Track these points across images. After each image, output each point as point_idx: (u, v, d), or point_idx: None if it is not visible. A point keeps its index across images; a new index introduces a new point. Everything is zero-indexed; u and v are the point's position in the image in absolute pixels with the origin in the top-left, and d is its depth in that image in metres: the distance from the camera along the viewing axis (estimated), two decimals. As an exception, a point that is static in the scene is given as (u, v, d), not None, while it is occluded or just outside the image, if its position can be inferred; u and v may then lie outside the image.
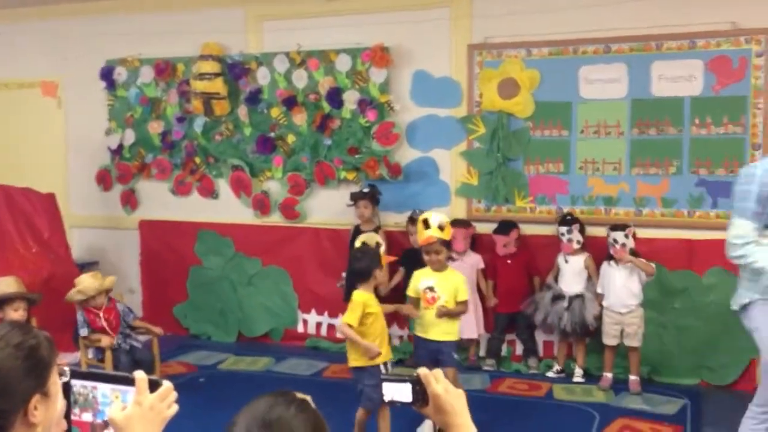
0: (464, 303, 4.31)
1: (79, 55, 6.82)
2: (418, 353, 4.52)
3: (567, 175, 5.56)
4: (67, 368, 1.55)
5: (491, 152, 5.70)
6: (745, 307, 3.43)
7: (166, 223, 6.67)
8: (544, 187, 5.63)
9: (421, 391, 1.51)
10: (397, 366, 5.56)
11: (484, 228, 5.70)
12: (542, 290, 5.39)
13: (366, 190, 5.80)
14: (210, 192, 6.60)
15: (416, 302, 4.34)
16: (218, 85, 6.28)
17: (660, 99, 5.26)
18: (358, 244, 5.13)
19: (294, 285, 6.28)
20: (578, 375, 5.25)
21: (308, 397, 1.44)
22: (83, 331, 4.92)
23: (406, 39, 5.88)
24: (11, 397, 1.44)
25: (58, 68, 6.95)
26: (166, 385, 1.52)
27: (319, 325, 6.22)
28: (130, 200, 6.84)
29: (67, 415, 1.53)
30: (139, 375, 1.49)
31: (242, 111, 6.36)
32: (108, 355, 4.78)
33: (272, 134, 6.30)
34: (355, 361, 4.03)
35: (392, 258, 4.78)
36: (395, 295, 5.64)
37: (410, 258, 5.57)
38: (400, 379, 1.54)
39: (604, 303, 5.11)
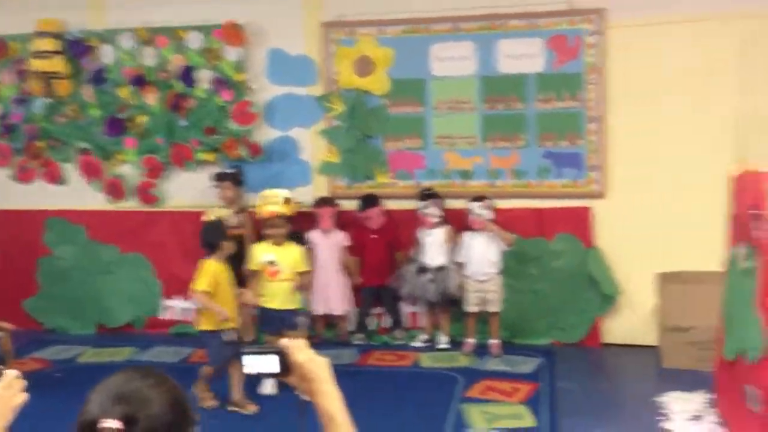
0: (307, 273, 4.82)
1: None
2: (264, 323, 4.90)
3: (424, 151, 5.74)
4: None
5: (350, 130, 5.76)
6: None
7: (10, 213, 6.26)
8: (403, 163, 5.79)
9: (284, 361, 1.53)
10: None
11: (347, 205, 5.79)
12: (407, 264, 5.57)
13: (230, 171, 5.71)
14: (56, 178, 6.23)
15: (258, 274, 4.76)
16: (58, 64, 5.90)
17: (506, 75, 5.52)
18: (209, 218, 5.27)
19: (156, 271, 6.09)
20: (443, 343, 5.51)
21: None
22: None
23: (260, 16, 5.78)
24: None
25: None
26: (11, 373, 1.54)
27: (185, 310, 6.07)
28: (-35, 190, 6.32)
29: None
30: None
31: (87, 91, 6.02)
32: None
33: (122, 115, 6.01)
34: (204, 324, 4.44)
35: (237, 231, 4.97)
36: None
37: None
38: (263, 351, 1.55)
39: (466, 272, 5.37)
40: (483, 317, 5.43)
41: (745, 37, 5.14)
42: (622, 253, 5.40)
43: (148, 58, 5.92)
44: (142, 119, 5.99)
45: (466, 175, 5.69)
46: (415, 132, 5.73)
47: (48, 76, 5.91)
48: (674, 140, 5.29)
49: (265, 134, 5.92)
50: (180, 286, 6.01)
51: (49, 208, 6.20)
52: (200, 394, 4.41)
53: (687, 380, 4.59)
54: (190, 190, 6.00)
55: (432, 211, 5.44)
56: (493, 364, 5.17)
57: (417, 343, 5.59)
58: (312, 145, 5.90)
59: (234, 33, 5.74)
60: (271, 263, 4.74)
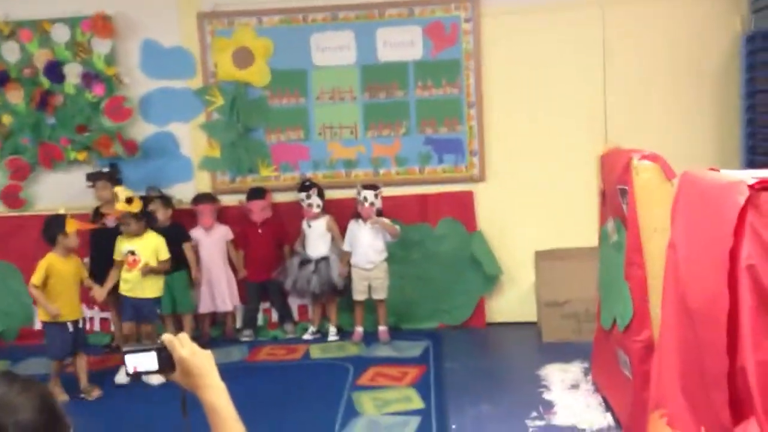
0: (166, 261, 4.97)
1: None
2: (124, 311, 5.04)
3: (307, 142, 5.70)
4: None
5: (231, 123, 5.64)
6: None
7: None
8: (287, 155, 5.72)
9: (166, 357, 1.49)
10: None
11: (231, 200, 5.67)
12: (291, 257, 5.52)
13: (105, 170, 5.48)
14: None
15: (121, 264, 4.94)
16: None
17: (386, 64, 5.56)
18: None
19: (27, 279, 5.73)
20: (332, 333, 5.49)
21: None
22: None
23: (131, 7, 5.57)
24: None
25: None
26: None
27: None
28: None
29: None
30: None
31: (-59, 90, 5.61)
32: None
33: (-17, 115, 5.65)
34: (42, 316, 4.64)
35: (87, 225, 4.98)
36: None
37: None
38: (143, 349, 1.51)
39: (352, 261, 5.36)
40: (370, 305, 5.44)
41: (612, 24, 5.39)
42: (502, 234, 5.55)
43: (11, 53, 5.59)
44: (7, 119, 5.65)
45: (350, 164, 5.69)
46: (297, 123, 5.68)
47: None
48: (548, 124, 5.47)
49: (142, 130, 5.71)
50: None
51: None
52: (54, 389, 4.34)
53: (565, 352, 4.78)
54: (61, 191, 5.68)
55: (313, 201, 5.41)
56: (381, 351, 5.19)
57: (307, 336, 5.55)
58: (192, 139, 5.73)
59: (103, 25, 5.50)
60: (132, 253, 4.90)
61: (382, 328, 5.39)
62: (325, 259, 5.39)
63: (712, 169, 2.49)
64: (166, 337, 1.51)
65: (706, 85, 5.38)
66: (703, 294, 2.29)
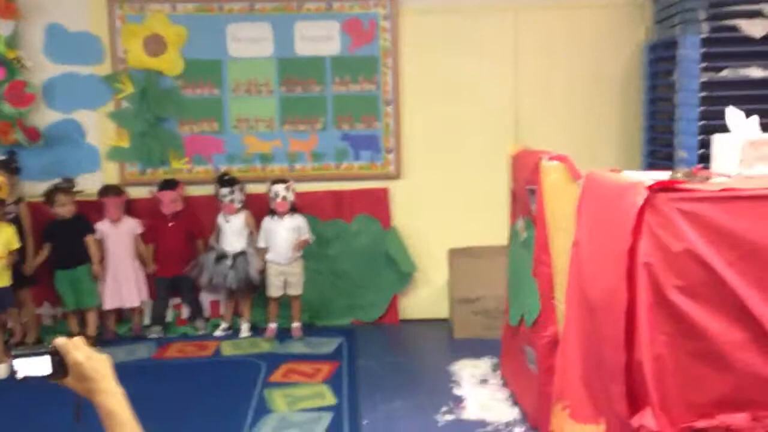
0: (15, 251, 4.85)
1: None
2: None
3: (222, 135, 5.58)
4: None
5: (142, 112, 5.46)
6: None
7: None
8: (201, 147, 5.58)
9: (59, 362, 1.43)
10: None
11: (140, 192, 5.49)
12: (206, 251, 5.40)
13: (2, 158, 5.20)
14: None
15: None
16: None
17: (304, 58, 5.50)
18: None
19: None
20: (245, 330, 5.40)
21: None
22: None
23: (35, -12, 5.31)
24: None
25: None
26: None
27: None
28: None
29: None
30: None
31: None
32: None
33: None
34: None
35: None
36: (43, 272, 5.23)
37: (57, 231, 5.19)
38: (34, 353, 1.43)
39: (268, 256, 5.29)
40: (284, 301, 5.39)
41: (524, 28, 5.52)
42: (417, 231, 5.60)
43: None
44: None
45: (266, 158, 5.61)
46: (212, 115, 5.55)
47: None
48: (462, 123, 5.56)
49: (45, 117, 5.44)
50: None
51: None
52: None
53: (475, 348, 4.87)
54: (-45, 180, 5.38)
55: (236, 197, 5.32)
56: (294, 347, 5.14)
57: (218, 333, 5.44)
58: (99, 128, 5.51)
59: (6, 5, 5.20)
60: None
61: (295, 325, 5.35)
62: (242, 254, 5.30)
63: (613, 171, 2.58)
64: (59, 341, 1.45)
65: (612, 90, 5.59)
66: (603, 290, 2.38)
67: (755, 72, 4.62)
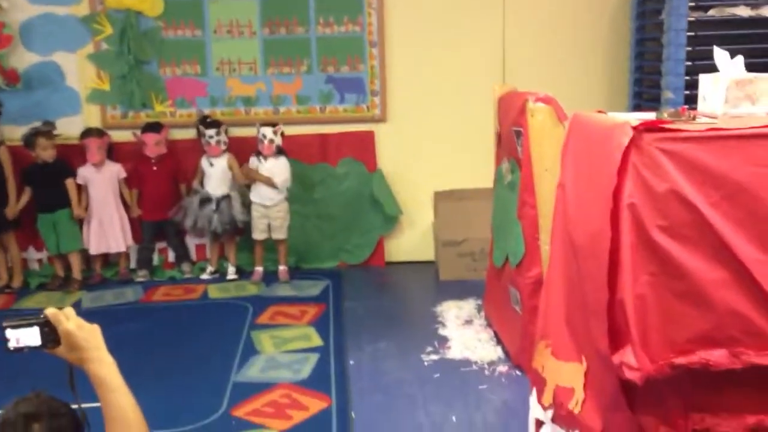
0: None
1: None
2: None
3: (205, 77, 5.50)
4: None
5: (122, 54, 5.35)
6: None
7: None
8: (183, 90, 5.50)
9: (50, 332, 1.45)
10: (40, 290, 5.20)
11: (123, 136, 5.42)
12: (189, 195, 5.37)
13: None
14: None
15: None
16: None
17: (287, -1, 5.39)
18: None
19: None
20: (231, 273, 5.42)
21: None
22: None
23: (6, -77, 5.12)
24: None
25: None
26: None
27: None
28: None
29: None
30: None
31: None
32: None
33: None
34: None
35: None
36: (27, 215, 5.20)
37: (37, 175, 5.14)
38: (25, 324, 1.45)
39: (252, 197, 5.28)
40: (270, 245, 5.40)
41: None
42: (402, 174, 5.60)
43: None
44: None
45: (249, 101, 5.54)
46: (193, 57, 5.45)
47: None
48: (448, 66, 5.49)
49: (24, 59, 5.33)
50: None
51: None
52: None
53: (460, 289, 4.93)
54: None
55: (221, 138, 5.27)
56: (281, 290, 5.18)
57: (205, 276, 5.46)
58: (79, 71, 5.41)
59: (-24, -58, 5.04)
60: None
61: (282, 268, 5.37)
62: (226, 197, 5.28)
63: (599, 112, 2.57)
64: (50, 311, 1.46)
65: (600, 31, 5.52)
66: (587, 231, 2.39)
67: (742, 11, 4.58)
